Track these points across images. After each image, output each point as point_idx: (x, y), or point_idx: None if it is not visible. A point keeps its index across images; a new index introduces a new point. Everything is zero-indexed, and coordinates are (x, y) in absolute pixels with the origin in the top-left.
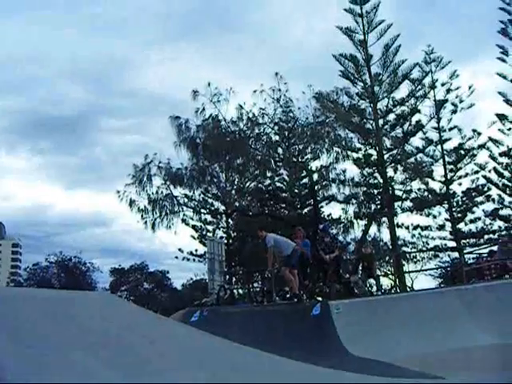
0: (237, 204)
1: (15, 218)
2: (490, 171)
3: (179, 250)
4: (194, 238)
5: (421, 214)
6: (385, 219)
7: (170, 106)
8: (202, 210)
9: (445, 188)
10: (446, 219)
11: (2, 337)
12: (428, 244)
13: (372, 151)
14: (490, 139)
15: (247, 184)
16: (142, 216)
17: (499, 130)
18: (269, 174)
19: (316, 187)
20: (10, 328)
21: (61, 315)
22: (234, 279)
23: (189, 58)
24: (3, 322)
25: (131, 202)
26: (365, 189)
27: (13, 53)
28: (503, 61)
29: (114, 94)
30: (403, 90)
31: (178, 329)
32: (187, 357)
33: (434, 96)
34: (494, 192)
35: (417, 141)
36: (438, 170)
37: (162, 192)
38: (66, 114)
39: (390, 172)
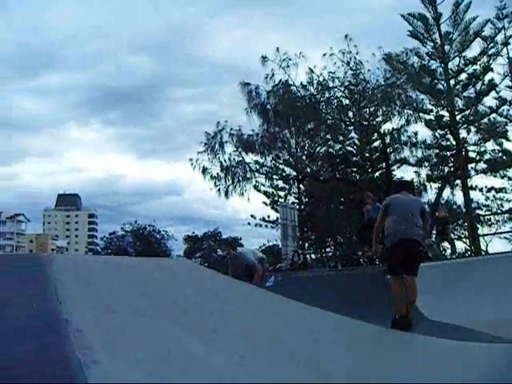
0: (308, 169)
1: (90, 189)
2: None
3: (251, 216)
4: (266, 204)
5: (495, 176)
6: (458, 182)
7: (238, 73)
8: (274, 176)
9: None
10: None
11: (86, 303)
12: (503, 206)
13: (444, 112)
14: None
15: (317, 149)
16: (215, 183)
17: None
18: (340, 138)
19: (388, 150)
20: (94, 294)
21: (141, 282)
22: (306, 244)
23: (256, 23)
24: (87, 289)
25: (204, 170)
26: (437, 151)
27: (81, 29)
28: None
29: (181, 63)
30: (475, 49)
31: (256, 293)
32: (271, 322)
33: (508, 53)
34: None
35: (490, 100)
36: None
37: (234, 159)
38: (135, 85)
39: (462, 133)
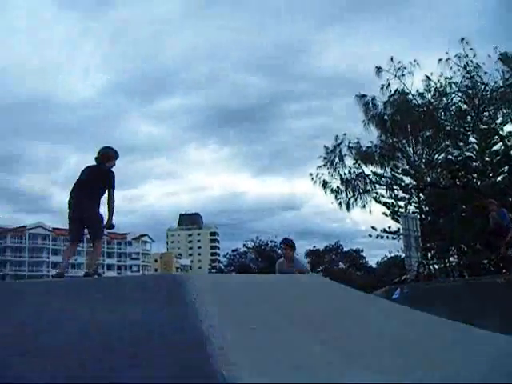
0: (427, 178)
1: (210, 207)
2: None
3: (372, 227)
4: (386, 214)
5: None
6: None
7: (349, 85)
8: (394, 187)
9: None
10: None
11: (226, 321)
12: None
13: None
14: None
15: (436, 156)
16: (335, 197)
17: None
18: (459, 144)
19: (510, 152)
20: (233, 312)
21: (276, 298)
22: (429, 255)
23: (363, 33)
24: (226, 308)
25: (324, 184)
26: None
27: (194, 52)
28: None
29: (292, 79)
30: None
31: (389, 307)
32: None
33: None
34: None
35: None
36: None
37: (353, 172)
38: (250, 103)
39: None
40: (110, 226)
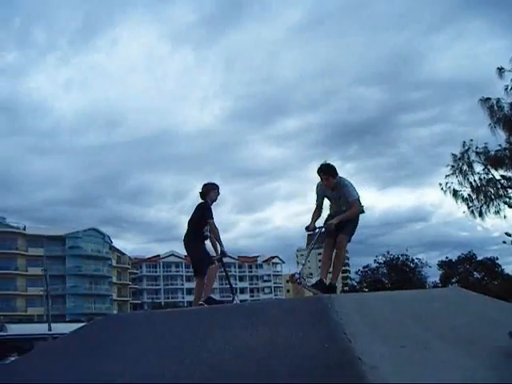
0: None
1: None
2: None
3: (506, 234)
4: None
5: None
6: None
7: (467, 88)
8: None
9: None
10: None
11: (375, 340)
12: None
13: None
14: None
15: None
16: (467, 205)
17: None
18: None
19: None
20: (381, 331)
21: (421, 313)
22: None
23: (477, 33)
24: (373, 326)
25: (455, 193)
26: None
27: (307, 71)
28: None
29: (408, 87)
30: None
31: None
32: None
33: None
34: None
35: None
36: None
37: (483, 177)
38: (368, 117)
39: None
40: (221, 255)
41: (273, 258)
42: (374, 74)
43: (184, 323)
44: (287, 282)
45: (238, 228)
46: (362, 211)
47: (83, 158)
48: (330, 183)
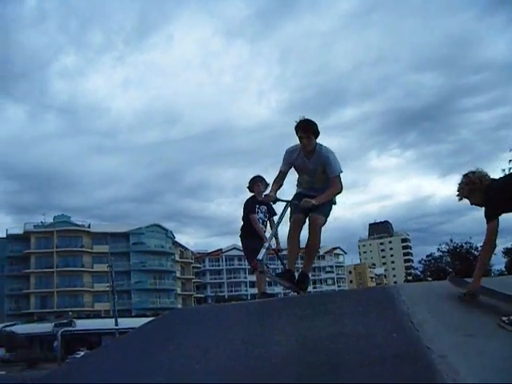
0: None
1: (399, 213)
2: None
3: None
4: None
5: None
6: None
7: None
8: None
9: None
10: None
11: (442, 329)
12: None
13: None
14: None
15: None
16: None
17: None
18: None
19: None
20: (448, 320)
21: (485, 302)
22: None
23: None
24: (439, 315)
25: None
26: None
27: (362, 60)
28: None
29: (466, 71)
30: None
31: None
32: None
33: None
34: None
35: None
36: None
37: None
38: (426, 102)
39: None
40: (277, 250)
41: (334, 249)
42: (429, 59)
43: (251, 315)
44: (350, 272)
45: None
46: (334, 202)
47: (143, 155)
48: (311, 143)
